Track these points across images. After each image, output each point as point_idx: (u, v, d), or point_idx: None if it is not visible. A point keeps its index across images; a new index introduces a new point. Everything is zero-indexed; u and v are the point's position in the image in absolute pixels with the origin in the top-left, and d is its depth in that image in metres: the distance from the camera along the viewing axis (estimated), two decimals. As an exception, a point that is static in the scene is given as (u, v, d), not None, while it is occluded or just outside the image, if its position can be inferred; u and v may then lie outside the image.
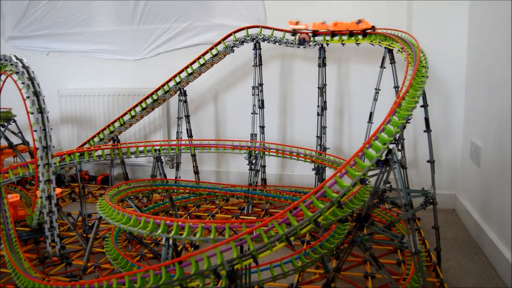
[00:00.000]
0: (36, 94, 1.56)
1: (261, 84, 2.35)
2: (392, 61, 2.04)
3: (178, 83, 2.34)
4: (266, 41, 2.25)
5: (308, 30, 2.05)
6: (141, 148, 1.99)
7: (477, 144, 1.88)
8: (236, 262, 1.00)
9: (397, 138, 1.11)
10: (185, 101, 2.40)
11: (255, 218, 2.03)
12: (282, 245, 1.01)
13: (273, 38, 2.21)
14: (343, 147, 2.46)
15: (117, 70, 2.86)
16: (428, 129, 1.57)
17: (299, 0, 2.39)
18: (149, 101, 2.37)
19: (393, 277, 1.32)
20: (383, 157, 1.11)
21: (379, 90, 2.05)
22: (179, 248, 1.70)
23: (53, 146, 1.64)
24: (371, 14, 2.17)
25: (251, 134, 2.31)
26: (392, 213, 1.97)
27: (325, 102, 2.24)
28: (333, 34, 2.03)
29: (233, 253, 0.99)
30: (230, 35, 2.26)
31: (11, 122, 2.57)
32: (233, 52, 2.30)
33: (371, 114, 2.05)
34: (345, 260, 1.42)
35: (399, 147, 2.04)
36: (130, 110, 2.39)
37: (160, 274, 1.01)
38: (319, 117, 2.23)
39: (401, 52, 1.72)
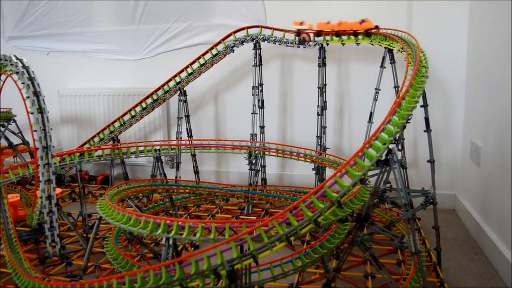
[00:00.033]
0: (36, 94, 1.56)
1: (261, 84, 2.36)
2: (392, 61, 2.04)
3: (178, 83, 2.34)
4: (266, 41, 2.25)
5: (313, 30, 2.06)
6: (141, 148, 1.99)
7: (477, 144, 1.88)
8: (236, 262, 1.00)
9: (397, 138, 1.11)
10: (185, 101, 2.40)
11: (255, 218, 2.03)
12: (282, 245, 1.01)
13: (273, 38, 2.22)
14: (343, 147, 2.46)
15: (117, 70, 2.86)
16: (428, 129, 1.57)
17: (299, 0, 2.40)
18: (149, 101, 2.37)
19: (393, 277, 1.32)
20: (383, 157, 1.11)
21: (379, 90, 2.05)
22: (179, 248, 1.70)
23: (53, 146, 1.64)
24: (371, 14, 2.16)
25: (251, 134, 2.32)
26: (392, 213, 1.97)
27: (325, 102, 2.24)
28: (337, 34, 2.03)
29: (233, 253, 0.99)
30: (230, 35, 2.26)
31: (11, 122, 2.57)
32: (233, 52, 2.30)
33: (371, 114, 2.05)
34: (345, 260, 1.42)
35: (399, 147, 2.04)
36: (130, 110, 2.39)
37: (160, 274, 1.01)
38: (319, 117, 2.24)
39: (401, 52, 1.72)
